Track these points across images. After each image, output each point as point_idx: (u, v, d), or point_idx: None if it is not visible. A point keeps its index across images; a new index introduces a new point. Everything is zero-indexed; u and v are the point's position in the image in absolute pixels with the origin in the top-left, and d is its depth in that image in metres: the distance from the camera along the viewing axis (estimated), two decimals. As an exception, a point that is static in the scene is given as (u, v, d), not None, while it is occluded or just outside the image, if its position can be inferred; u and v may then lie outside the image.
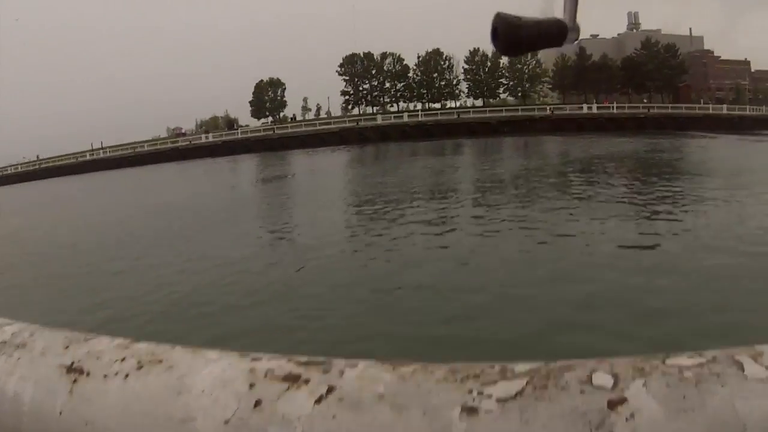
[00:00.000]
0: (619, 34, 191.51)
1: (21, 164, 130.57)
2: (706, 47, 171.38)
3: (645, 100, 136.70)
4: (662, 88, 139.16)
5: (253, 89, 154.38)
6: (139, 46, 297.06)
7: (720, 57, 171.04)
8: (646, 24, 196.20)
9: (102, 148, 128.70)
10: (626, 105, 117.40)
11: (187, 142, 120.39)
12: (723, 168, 35.60)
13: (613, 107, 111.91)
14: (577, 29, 1.74)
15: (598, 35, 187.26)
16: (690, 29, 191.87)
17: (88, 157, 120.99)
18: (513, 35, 1.56)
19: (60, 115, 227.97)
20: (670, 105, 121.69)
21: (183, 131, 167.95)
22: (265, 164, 66.49)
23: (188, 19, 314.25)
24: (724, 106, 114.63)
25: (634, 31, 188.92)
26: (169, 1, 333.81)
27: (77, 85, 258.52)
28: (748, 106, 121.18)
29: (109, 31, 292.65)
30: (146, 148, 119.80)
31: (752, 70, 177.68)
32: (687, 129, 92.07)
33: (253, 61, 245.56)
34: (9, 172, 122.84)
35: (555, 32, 1.67)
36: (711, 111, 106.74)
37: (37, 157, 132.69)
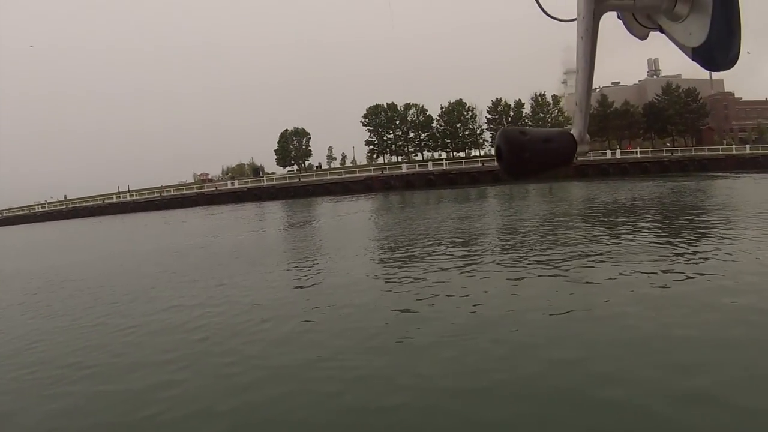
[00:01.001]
0: (639, 81, 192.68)
1: (49, 203, 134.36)
2: (726, 89, 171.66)
3: (668, 144, 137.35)
4: (685, 131, 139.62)
5: (278, 138, 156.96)
6: (164, 98, 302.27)
7: (741, 98, 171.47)
8: (666, 70, 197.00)
9: (129, 191, 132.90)
10: (650, 149, 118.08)
11: (214, 188, 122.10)
12: (746, 206, 35.58)
13: (636, 152, 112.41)
14: (587, 141, 1.81)
15: (619, 82, 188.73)
16: (710, 73, 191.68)
17: (114, 200, 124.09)
18: (517, 159, 1.59)
19: (89, 157, 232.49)
20: (693, 147, 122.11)
21: (209, 177, 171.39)
22: (291, 210, 66.79)
23: (214, 66, 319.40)
24: (747, 145, 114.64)
25: (655, 77, 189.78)
26: (197, 49, 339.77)
27: (107, 130, 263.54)
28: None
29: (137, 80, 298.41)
30: (172, 193, 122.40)
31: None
32: (711, 170, 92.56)
33: (280, 110, 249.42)
34: (37, 210, 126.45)
35: (564, 148, 1.69)
36: (734, 151, 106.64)
37: (65, 197, 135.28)
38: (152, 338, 13.76)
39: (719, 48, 1.38)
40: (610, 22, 1.96)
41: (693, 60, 1.49)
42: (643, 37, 1.80)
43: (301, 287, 18.78)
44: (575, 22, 1.83)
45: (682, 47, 1.53)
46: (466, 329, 12.19)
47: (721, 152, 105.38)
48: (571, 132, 1.74)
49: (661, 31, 1.67)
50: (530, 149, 1.56)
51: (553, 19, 2.07)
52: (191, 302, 17.36)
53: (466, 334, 11.83)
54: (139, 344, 13.29)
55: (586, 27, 1.74)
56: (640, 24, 1.80)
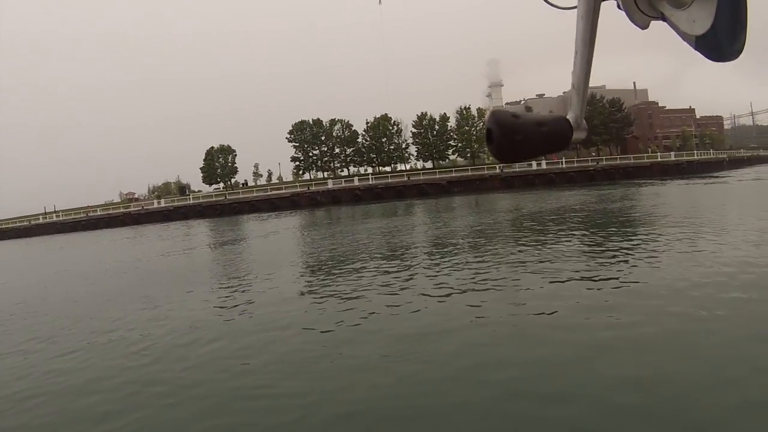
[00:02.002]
0: (564, 92, 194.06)
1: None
2: (651, 99, 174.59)
3: (593, 154, 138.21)
4: (610, 140, 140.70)
5: (204, 155, 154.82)
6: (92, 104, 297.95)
7: (665, 107, 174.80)
8: (591, 81, 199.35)
9: (55, 212, 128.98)
10: (575, 159, 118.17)
11: (140, 207, 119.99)
12: (671, 211, 36.74)
13: (562, 162, 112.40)
14: (584, 127, 1.73)
15: (544, 94, 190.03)
16: (634, 83, 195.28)
17: (41, 221, 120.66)
18: (508, 142, 1.51)
19: (14, 180, 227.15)
20: (618, 156, 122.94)
21: (136, 196, 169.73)
22: (219, 229, 64.88)
23: (139, 78, 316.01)
24: (672, 153, 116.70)
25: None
26: (122, 62, 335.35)
27: (34, 152, 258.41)
28: (695, 151, 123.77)
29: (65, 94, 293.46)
30: (99, 213, 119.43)
31: (697, 117, 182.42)
32: (636, 178, 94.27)
33: (205, 128, 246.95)
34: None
35: (557, 134, 1.62)
36: (659, 159, 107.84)
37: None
38: (76, 364, 12.89)
39: (724, 37, 1.35)
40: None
41: (696, 49, 1.44)
42: (645, 26, 1.71)
43: (228, 307, 17.75)
44: (574, 10, 1.78)
45: (685, 36, 1.47)
46: (395, 348, 11.73)
47: (646, 160, 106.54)
48: (567, 117, 1.71)
49: (664, 19, 1.60)
50: (523, 132, 1.53)
51: (553, 7, 2.05)
52: (115, 327, 16.39)
53: (394, 354, 11.38)
54: (66, 371, 12.44)
55: (587, 10, 1.70)
56: (642, 12, 1.70)
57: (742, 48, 1.36)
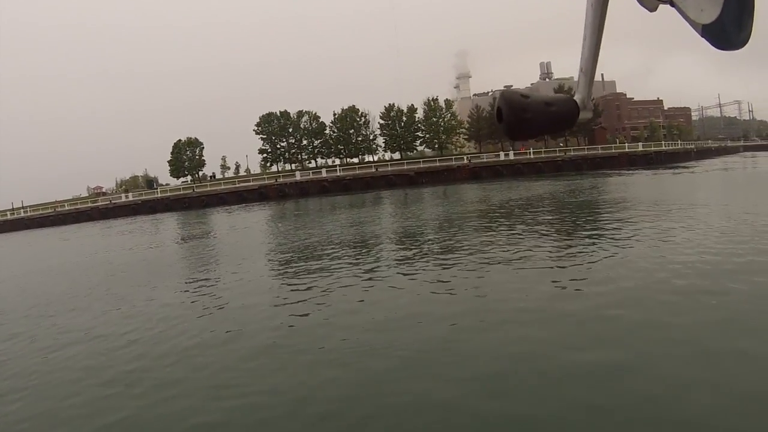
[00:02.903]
0: (532, 84, 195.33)
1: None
2: (619, 90, 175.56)
3: (561, 144, 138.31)
4: (577, 131, 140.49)
5: (171, 149, 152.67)
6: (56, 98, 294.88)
7: (633, 98, 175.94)
8: (558, 73, 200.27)
9: (23, 207, 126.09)
10: (543, 150, 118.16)
11: (108, 201, 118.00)
12: (635, 202, 36.88)
13: (529, 153, 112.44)
14: (590, 108, 1.76)
15: (512, 86, 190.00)
16: (602, 75, 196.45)
17: (8, 217, 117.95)
18: (518, 120, 1.56)
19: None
20: (586, 147, 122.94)
21: (103, 190, 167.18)
22: (187, 222, 64.49)
23: (106, 70, 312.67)
24: (640, 143, 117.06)
25: (547, 80, 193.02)
26: (88, 52, 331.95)
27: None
28: (663, 142, 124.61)
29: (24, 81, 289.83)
30: (67, 208, 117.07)
31: (665, 108, 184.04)
32: (604, 168, 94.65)
33: (173, 121, 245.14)
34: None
35: (565, 114, 1.66)
36: (627, 149, 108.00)
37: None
38: (44, 364, 12.70)
39: (731, 26, 1.34)
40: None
41: (702, 37, 1.42)
42: (653, 9, 1.63)
43: (198, 303, 17.53)
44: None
45: (692, 23, 1.44)
46: (363, 341, 11.71)
47: (614, 150, 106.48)
48: (575, 98, 1.71)
49: (672, 4, 1.53)
50: (532, 111, 1.58)
51: None
52: (83, 324, 16.15)
53: (362, 346, 11.37)
54: (31, 371, 12.25)
55: None
56: None
57: (749, 37, 1.37)
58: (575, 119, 1.66)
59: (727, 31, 1.36)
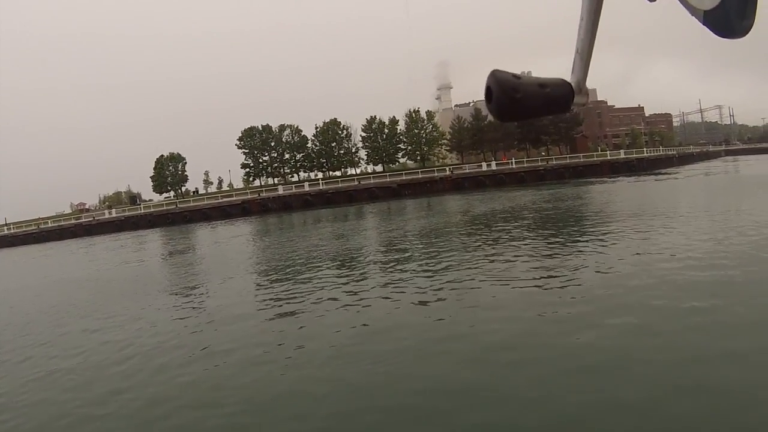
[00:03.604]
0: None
1: None
2: (600, 98, 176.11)
3: (543, 154, 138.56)
4: (559, 140, 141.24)
5: (154, 164, 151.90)
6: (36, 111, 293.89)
7: (614, 106, 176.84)
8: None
9: (6, 224, 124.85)
10: (525, 159, 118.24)
11: (91, 218, 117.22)
12: (618, 209, 37.33)
13: (511, 163, 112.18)
14: (585, 92, 1.71)
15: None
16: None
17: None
18: (508, 99, 1.51)
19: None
20: (568, 156, 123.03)
21: (87, 207, 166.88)
22: (171, 238, 64.25)
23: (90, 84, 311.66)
24: (622, 151, 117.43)
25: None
26: (66, 64, 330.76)
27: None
28: (645, 149, 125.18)
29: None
30: (50, 225, 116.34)
31: (647, 115, 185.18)
32: (587, 176, 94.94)
33: (155, 136, 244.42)
34: None
35: (559, 97, 1.61)
36: (609, 157, 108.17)
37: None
38: (30, 380, 12.85)
39: (733, 12, 1.33)
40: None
41: (704, 24, 1.41)
42: None
43: (184, 318, 17.80)
44: None
45: (693, 10, 1.43)
46: (347, 352, 11.99)
47: (596, 158, 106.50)
48: (569, 81, 1.66)
49: None
50: (523, 91, 1.50)
51: None
52: (67, 342, 16.32)
53: (346, 358, 11.62)
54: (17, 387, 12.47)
55: None
56: None
57: (751, 25, 1.34)
58: (570, 103, 1.61)
59: (730, 17, 1.34)
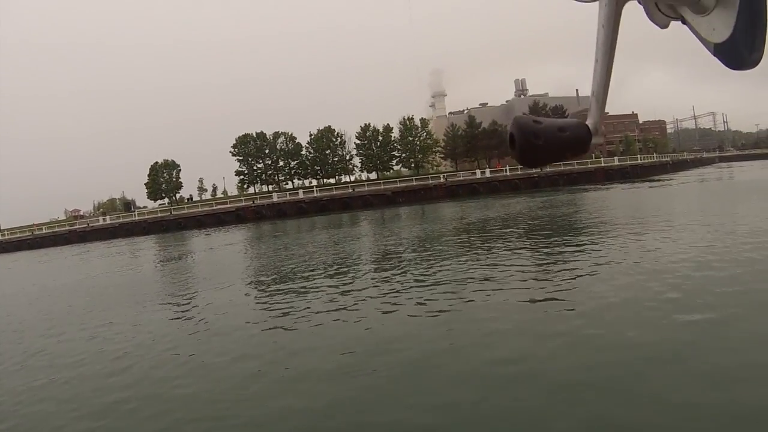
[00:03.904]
0: (507, 101, 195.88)
1: None
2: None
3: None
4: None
5: (148, 171, 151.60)
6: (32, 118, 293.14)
7: (608, 113, 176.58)
8: (534, 89, 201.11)
9: (0, 231, 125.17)
10: (519, 167, 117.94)
11: (86, 225, 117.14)
12: (611, 217, 37.29)
13: (506, 170, 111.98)
14: (602, 133, 1.73)
15: (487, 104, 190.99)
16: (576, 90, 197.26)
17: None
18: (530, 146, 1.57)
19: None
20: (562, 163, 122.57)
21: (81, 213, 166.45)
22: (165, 245, 64.52)
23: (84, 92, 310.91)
24: (616, 157, 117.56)
25: (522, 96, 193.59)
26: (63, 73, 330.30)
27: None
28: (639, 156, 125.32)
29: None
30: (44, 231, 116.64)
31: (640, 122, 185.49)
32: (581, 183, 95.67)
33: (148, 141, 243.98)
34: None
35: (578, 140, 1.65)
36: (603, 164, 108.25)
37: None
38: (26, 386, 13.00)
39: (743, 46, 1.37)
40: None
41: (714, 56, 1.46)
42: (664, 26, 1.70)
43: (179, 328, 17.60)
44: (592, 3, 1.75)
45: (704, 41, 1.50)
46: (343, 362, 11.95)
47: (590, 165, 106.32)
48: (587, 123, 1.71)
49: (684, 22, 1.61)
50: (544, 137, 1.57)
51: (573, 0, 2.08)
52: (61, 349, 16.47)
53: (342, 367, 11.60)
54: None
55: (609, 14, 1.68)
56: (662, 13, 1.70)
57: (761, 58, 1.38)
58: (588, 145, 1.65)
59: (739, 50, 1.38)
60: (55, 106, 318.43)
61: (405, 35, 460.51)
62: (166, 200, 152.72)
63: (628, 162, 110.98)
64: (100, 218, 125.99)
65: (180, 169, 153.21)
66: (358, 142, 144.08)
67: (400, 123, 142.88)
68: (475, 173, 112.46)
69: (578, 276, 18.01)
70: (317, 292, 20.39)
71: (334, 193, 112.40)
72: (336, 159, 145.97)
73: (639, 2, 1.69)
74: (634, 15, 1.39)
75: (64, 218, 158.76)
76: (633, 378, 9.33)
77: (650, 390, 8.78)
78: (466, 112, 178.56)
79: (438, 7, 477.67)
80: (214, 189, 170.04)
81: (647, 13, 1.71)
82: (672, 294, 14.33)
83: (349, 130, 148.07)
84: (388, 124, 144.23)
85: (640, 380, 9.23)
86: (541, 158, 1.59)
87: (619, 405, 8.45)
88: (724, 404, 8.11)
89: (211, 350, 14.10)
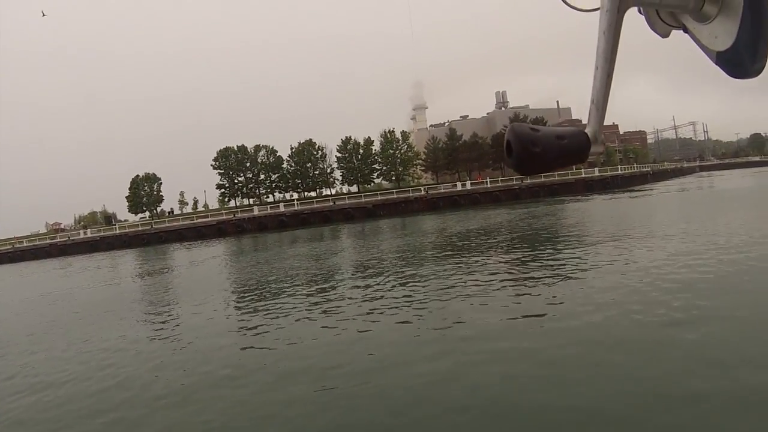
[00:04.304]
0: (488, 113, 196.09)
1: None
2: (574, 117, 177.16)
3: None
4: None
5: (129, 184, 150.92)
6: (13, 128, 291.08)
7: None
8: (515, 101, 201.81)
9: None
10: (500, 178, 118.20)
11: (66, 238, 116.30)
12: (591, 227, 38.03)
13: (486, 182, 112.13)
14: (602, 142, 1.72)
15: (467, 116, 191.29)
16: (557, 102, 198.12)
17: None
18: (527, 154, 1.54)
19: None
20: (542, 174, 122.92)
21: (62, 226, 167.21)
22: (146, 259, 64.01)
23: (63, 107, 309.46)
24: (596, 168, 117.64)
25: (503, 108, 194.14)
26: (43, 84, 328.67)
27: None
28: (619, 166, 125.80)
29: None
30: (25, 244, 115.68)
31: (621, 132, 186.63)
32: (561, 194, 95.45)
33: (129, 154, 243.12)
34: None
35: (576, 148, 1.63)
36: (583, 175, 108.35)
37: None
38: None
39: (745, 55, 1.37)
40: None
41: (716, 64, 1.46)
42: (665, 35, 1.71)
43: (157, 343, 17.63)
44: (594, 12, 1.73)
45: (705, 50, 1.50)
46: (325, 380, 11.68)
47: (570, 177, 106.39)
48: (586, 131, 1.68)
49: (685, 30, 1.61)
50: (541, 145, 1.55)
51: (572, 9, 2.09)
52: (36, 363, 16.50)
53: (324, 386, 11.36)
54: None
55: (609, 22, 1.65)
56: (663, 22, 1.72)
57: (763, 67, 1.38)
58: (586, 153, 1.63)
59: (742, 58, 1.38)
60: (36, 118, 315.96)
61: (386, 49, 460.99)
62: (147, 214, 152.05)
63: (609, 173, 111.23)
64: (81, 231, 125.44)
65: (161, 183, 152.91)
66: (338, 155, 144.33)
67: (381, 136, 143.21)
68: (456, 185, 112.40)
69: (558, 288, 17.95)
70: (298, 307, 20.20)
71: (315, 206, 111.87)
72: (317, 172, 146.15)
73: (640, 11, 1.69)
74: (625, 25, 1.41)
75: (45, 231, 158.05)
76: (615, 395, 9.19)
77: (633, 407, 8.63)
78: (447, 124, 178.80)
79: (420, 20, 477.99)
80: (195, 202, 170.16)
81: (648, 22, 1.72)
82: (653, 305, 14.22)
83: (330, 143, 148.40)
84: (369, 137, 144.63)
85: (623, 396, 9.08)
86: (538, 166, 1.56)
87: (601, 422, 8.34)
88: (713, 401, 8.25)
89: (192, 364, 14.02)
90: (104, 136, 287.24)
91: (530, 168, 1.55)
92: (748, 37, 1.35)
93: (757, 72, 1.39)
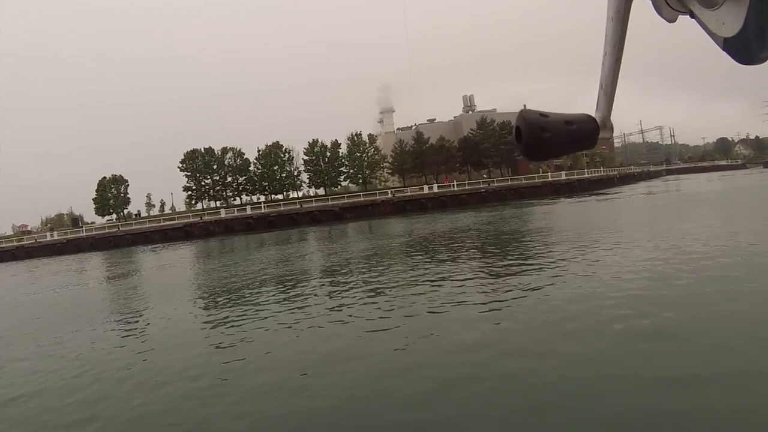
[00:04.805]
0: (455, 117, 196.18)
1: None
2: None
3: (485, 176, 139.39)
4: (501, 163, 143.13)
5: (96, 186, 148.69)
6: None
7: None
8: (482, 105, 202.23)
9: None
10: (466, 182, 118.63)
11: (33, 240, 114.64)
12: (555, 229, 38.68)
13: (453, 185, 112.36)
14: (610, 127, 1.74)
15: (435, 119, 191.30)
16: (524, 105, 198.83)
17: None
18: (537, 139, 1.55)
19: None
20: (509, 177, 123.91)
21: (29, 228, 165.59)
22: (113, 262, 63.19)
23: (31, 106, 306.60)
24: (563, 172, 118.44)
25: (470, 112, 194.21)
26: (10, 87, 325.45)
27: None
28: (586, 170, 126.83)
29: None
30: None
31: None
32: (528, 198, 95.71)
33: (96, 157, 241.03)
34: None
35: (585, 133, 1.64)
36: (550, 179, 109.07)
37: None
38: None
39: (753, 41, 1.33)
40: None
41: (723, 50, 1.43)
42: (672, 20, 1.69)
43: (122, 346, 17.27)
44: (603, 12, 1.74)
45: (712, 36, 1.46)
46: (294, 380, 11.74)
47: (537, 180, 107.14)
48: (594, 116, 1.70)
49: (692, 16, 1.57)
50: (551, 130, 1.55)
51: None
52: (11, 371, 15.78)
53: (293, 385, 11.40)
54: None
55: (618, 7, 1.67)
56: (670, 7, 1.67)
57: None
58: (595, 138, 1.64)
59: (750, 45, 1.35)
60: (2, 121, 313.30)
61: (353, 53, 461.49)
62: (114, 216, 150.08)
63: (576, 176, 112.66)
64: (48, 234, 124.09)
65: (128, 185, 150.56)
66: (306, 158, 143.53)
67: (348, 139, 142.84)
68: (423, 189, 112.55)
69: (525, 289, 17.96)
70: (266, 309, 20.08)
71: (282, 209, 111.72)
72: (284, 175, 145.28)
73: None
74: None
75: (12, 234, 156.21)
76: (588, 392, 9.32)
77: (602, 402, 8.78)
78: (414, 128, 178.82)
79: (389, 24, 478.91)
80: (162, 205, 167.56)
81: (655, 7, 1.70)
82: (618, 307, 14.31)
83: (298, 146, 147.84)
84: (336, 139, 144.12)
85: (595, 394, 9.19)
86: (548, 152, 1.57)
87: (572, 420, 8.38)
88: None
89: (157, 369, 13.71)
90: (72, 139, 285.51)
91: (540, 153, 1.55)
92: (755, 24, 1.32)
93: (764, 59, 1.37)
